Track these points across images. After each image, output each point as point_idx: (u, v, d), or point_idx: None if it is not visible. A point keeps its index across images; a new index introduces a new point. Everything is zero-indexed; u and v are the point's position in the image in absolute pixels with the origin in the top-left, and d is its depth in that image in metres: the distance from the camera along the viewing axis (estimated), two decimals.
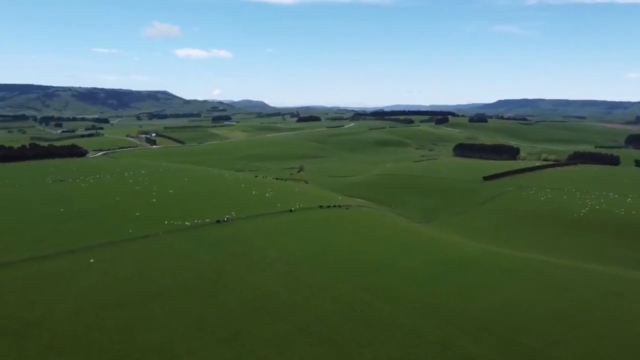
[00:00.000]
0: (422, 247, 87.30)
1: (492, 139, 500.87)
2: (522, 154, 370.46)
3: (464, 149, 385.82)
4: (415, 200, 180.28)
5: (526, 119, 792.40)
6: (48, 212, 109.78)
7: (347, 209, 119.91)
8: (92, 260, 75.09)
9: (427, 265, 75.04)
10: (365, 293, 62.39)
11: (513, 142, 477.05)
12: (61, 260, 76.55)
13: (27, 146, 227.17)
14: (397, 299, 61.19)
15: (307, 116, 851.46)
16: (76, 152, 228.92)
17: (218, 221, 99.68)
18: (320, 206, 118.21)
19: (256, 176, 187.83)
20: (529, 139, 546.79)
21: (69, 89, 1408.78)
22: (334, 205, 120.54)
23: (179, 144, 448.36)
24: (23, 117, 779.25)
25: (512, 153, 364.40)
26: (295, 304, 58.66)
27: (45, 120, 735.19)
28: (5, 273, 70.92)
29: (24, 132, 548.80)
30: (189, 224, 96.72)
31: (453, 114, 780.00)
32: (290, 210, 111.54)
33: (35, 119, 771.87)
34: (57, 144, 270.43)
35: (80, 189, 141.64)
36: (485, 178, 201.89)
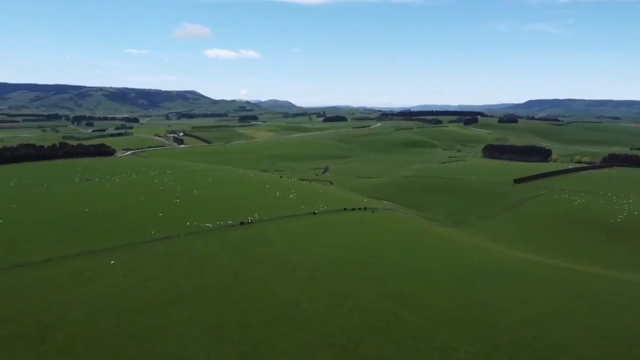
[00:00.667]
0: (451, 254, 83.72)
1: (522, 140, 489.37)
2: (554, 155, 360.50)
3: (493, 150, 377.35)
4: (442, 203, 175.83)
5: (558, 120, 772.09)
6: (73, 212, 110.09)
7: (373, 212, 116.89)
8: (112, 262, 74.26)
9: (457, 273, 71.55)
10: (391, 302, 59.47)
11: (544, 144, 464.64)
12: (82, 261, 75.96)
13: (57, 145, 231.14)
14: (425, 309, 58.09)
15: (333, 116, 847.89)
16: (104, 151, 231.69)
17: (242, 223, 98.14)
18: (345, 209, 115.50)
19: (281, 177, 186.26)
20: (561, 141, 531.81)
21: (101, 89, 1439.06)
22: (359, 208, 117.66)
23: (206, 144, 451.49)
24: (56, 117, 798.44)
25: (543, 155, 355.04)
26: (317, 313, 56.16)
27: (77, 120, 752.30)
28: (27, 274, 70.64)
29: (57, 131, 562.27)
30: (211, 225, 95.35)
31: (482, 114, 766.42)
32: (314, 213, 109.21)
33: (67, 118, 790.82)
34: (86, 143, 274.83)
35: (106, 188, 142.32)
36: (516, 181, 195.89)
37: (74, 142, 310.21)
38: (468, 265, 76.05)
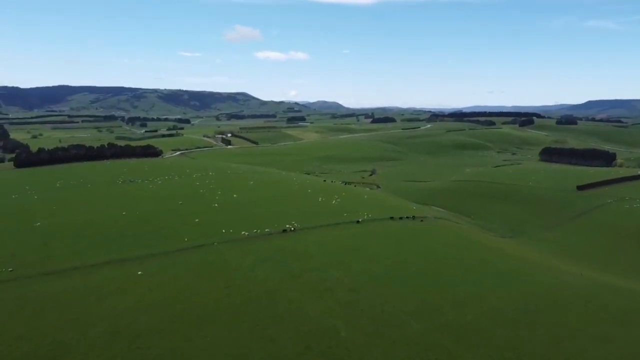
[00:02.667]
0: (512, 274, 73.80)
1: (583, 143, 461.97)
2: (618, 160, 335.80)
3: (551, 154, 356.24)
4: (498, 211, 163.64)
5: (621, 121, 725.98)
6: (110, 215, 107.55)
7: (422, 221, 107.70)
8: (140, 273, 69.75)
9: (520, 299, 62.11)
10: (443, 334, 51.34)
11: (607, 147, 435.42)
12: (110, 270, 71.92)
13: (106, 146, 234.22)
14: (483, 344, 49.66)
15: (381, 117, 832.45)
16: (151, 152, 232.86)
17: (284, 230, 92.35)
18: (392, 217, 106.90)
19: (324, 180, 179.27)
20: (625, 143, 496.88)
21: (155, 90, 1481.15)
22: (407, 217, 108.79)
23: (253, 145, 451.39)
24: (112, 118, 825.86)
25: (607, 159, 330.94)
26: (356, 344, 48.83)
27: (132, 121, 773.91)
28: (53, 284, 67.09)
29: (112, 132, 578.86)
30: (247, 234, 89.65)
31: (538, 115, 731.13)
32: (358, 222, 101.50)
33: (123, 119, 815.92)
34: (133, 144, 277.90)
35: (147, 190, 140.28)
36: (579, 187, 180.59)
37: (126, 143, 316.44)
38: (533, 289, 66.31)
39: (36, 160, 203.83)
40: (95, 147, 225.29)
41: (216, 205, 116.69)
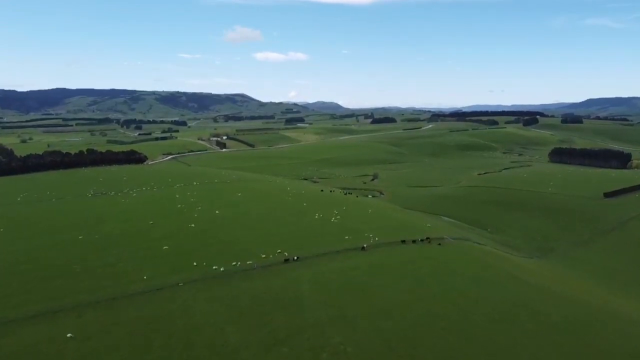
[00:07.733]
0: (575, 333, 54.31)
1: (590, 142, 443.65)
2: (634, 160, 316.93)
3: (562, 155, 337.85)
4: (518, 223, 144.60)
5: (627, 119, 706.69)
6: (63, 240, 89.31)
7: (440, 244, 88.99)
8: (69, 336, 51.28)
9: None
10: None
11: (615, 146, 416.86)
12: (32, 330, 53.43)
13: (85, 152, 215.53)
14: None
15: (381, 117, 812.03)
16: (134, 158, 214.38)
17: (286, 260, 74.85)
18: (403, 241, 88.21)
19: (322, 190, 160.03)
20: (633, 142, 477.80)
21: (153, 92, 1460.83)
22: (421, 240, 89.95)
23: (249, 148, 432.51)
24: (107, 120, 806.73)
25: (622, 159, 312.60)
26: None
27: (127, 123, 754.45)
28: None
29: (105, 135, 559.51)
30: (222, 269, 71.12)
31: (540, 114, 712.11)
32: (363, 248, 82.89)
33: (118, 121, 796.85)
34: (121, 148, 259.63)
35: (117, 205, 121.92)
36: (607, 194, 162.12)
37: (117, 147, 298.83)
38: (605, 346, 47.68)
39: (6, 169, 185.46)
40: (72, 153, 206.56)
41: (193, 225, 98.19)
